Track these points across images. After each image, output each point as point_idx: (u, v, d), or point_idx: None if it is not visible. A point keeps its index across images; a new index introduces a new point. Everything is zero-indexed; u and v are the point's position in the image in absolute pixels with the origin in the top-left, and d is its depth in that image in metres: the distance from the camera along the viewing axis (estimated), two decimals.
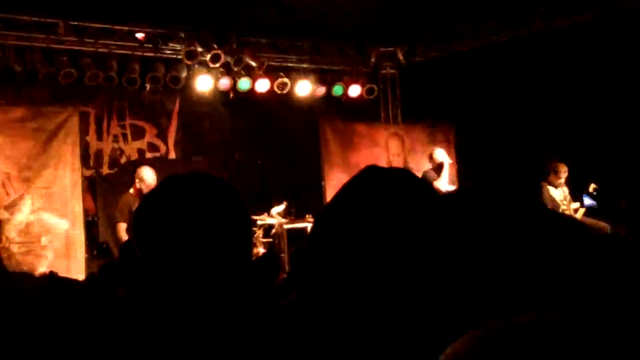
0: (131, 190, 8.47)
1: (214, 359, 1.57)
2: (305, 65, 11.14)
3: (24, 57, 9.16)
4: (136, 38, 9.90)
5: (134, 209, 7.24)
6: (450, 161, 9.82)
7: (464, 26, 10.87)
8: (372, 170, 1.47)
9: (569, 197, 9.60)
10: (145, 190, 8.30)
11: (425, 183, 1.52)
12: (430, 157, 9.77)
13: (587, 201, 9.69)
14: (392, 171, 1.48)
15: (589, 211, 9.50)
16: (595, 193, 9.58)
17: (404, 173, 1.48)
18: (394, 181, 1.44)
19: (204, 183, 1.73)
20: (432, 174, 9.36)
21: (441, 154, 9.68)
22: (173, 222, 1.65)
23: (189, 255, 1.63)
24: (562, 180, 9.54)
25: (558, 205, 9.28)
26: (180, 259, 1.63)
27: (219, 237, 1.66)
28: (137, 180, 8.42)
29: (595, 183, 9.78)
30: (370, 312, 1.36)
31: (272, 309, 1.67)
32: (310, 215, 9.55)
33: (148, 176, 8.35)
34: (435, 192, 1.52)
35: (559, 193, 9.54)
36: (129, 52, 9.82)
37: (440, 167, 9.51)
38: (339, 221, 1.41)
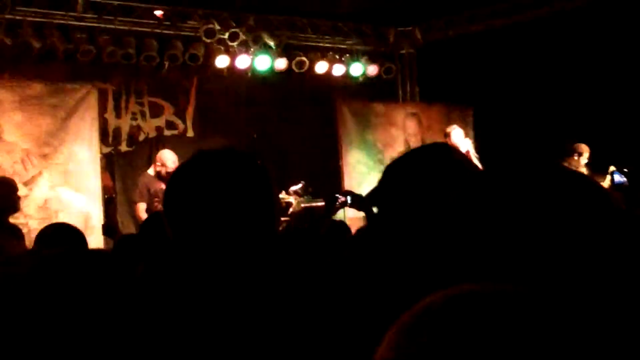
0: (150, 171, 8.51)
1: (235, 338, 1.58)
2: (323, 45, 11.11)
3: (42, 34, 9.18)
4: (154, 16, 9.89)
5: (152, 189, 7.28)
6: (467, 148, 9.28)
7: (483, 5, 10.78)
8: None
9: None
10: (165, 173, 8.36)
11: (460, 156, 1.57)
12: (446, 135, 9.47)
13: (617, 178, 9.51)
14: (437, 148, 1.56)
15: (619, 188, 9.31)
16: (626, 170, 9.40)
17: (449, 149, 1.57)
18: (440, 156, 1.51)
19: (233, 158, 1.74)
20: None
21: (457, 136, 9.35)
22: (203, 194, 1.67)
23: (218, 227, 1.65)
24: (584, 162, 9.44)
25: None
26: (209, 231, 1.65)
27: (247, 210, 1.68)
28: (158, 164, 8.47)
29: (615, 166, 9.67)
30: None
31: (301, 286, 1.68)
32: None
33: (169, 160, 8.40)
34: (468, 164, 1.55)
35: None
36: (148, 30, 9.82)
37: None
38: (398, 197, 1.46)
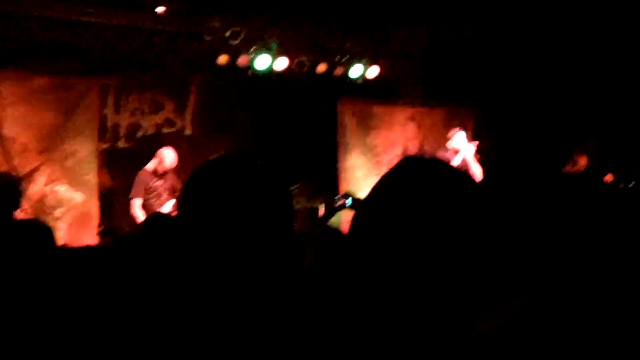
0: (148, 167, 8.51)
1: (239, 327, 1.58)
2: (324, 45, 11.06)
3: (47, 28, 9.14)
4: (157, 12, 9.86)
5: (149, 185, 7.28)
6: (469, 149, 9.40)
7: (489, 7, 10.71)
8: (408, 161, 1.51)
9: None
10: (161, 170, 8.43)
11: (460, 173, 1.53)
12: (449, 139, 9.59)
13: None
14: (428, 162, 1.52)
15: None
16: None
17: (440, 164, 1.52)
18: (431, 172, 1.48)
19: (253, 164, 1.79)
20: (445, 157, 8.89)
21: (459, 140, 9.48)
22: (223, 198, 1.68)
23: (237, 230, 1.64)
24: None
25: None
26: (228, 234, 1.64)
27: (267, 214, 1.68)
28: (157, 160, 8.50)
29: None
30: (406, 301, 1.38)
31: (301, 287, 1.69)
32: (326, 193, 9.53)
33: (168, 159, 8.47)
34: (470, 181, 1.52)
35: None
36: (151, 26, 9.79)
37: (455, 153, 9.35)
38: (381, 216, 1.44)
